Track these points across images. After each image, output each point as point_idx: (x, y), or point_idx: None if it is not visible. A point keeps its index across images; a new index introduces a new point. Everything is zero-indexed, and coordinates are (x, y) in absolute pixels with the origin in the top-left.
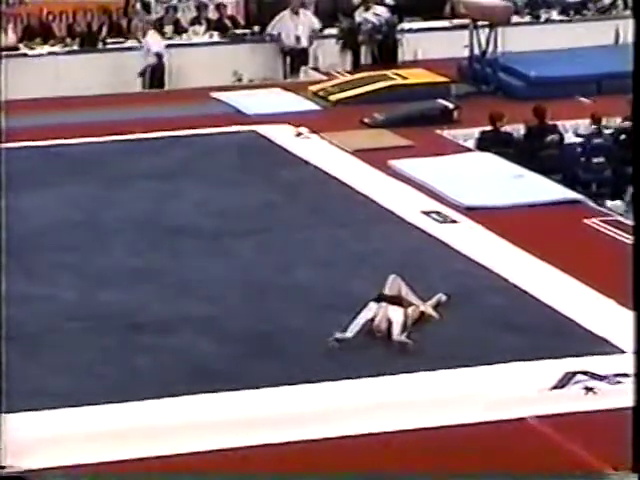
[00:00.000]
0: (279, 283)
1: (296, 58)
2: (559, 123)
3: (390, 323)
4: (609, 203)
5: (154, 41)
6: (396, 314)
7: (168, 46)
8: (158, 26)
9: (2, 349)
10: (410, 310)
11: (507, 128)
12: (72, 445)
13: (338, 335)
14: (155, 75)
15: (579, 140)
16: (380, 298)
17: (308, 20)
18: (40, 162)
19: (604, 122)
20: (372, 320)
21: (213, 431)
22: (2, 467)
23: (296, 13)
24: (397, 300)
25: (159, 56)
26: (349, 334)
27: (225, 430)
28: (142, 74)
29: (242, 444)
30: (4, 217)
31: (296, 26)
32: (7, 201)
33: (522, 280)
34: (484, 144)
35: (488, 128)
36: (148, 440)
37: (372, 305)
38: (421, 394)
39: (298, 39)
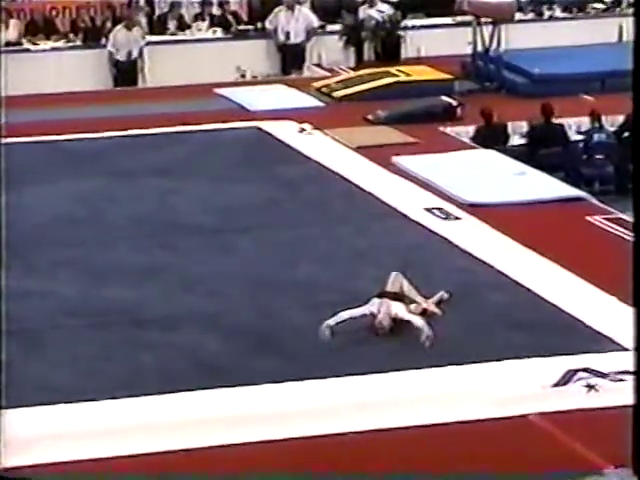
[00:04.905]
0: (281, 280)
1: (288, 54)
2: (562, 120)
3: (393, 320)
4: None
5: (121, 39)
6: (398, 309)
7: (148, 43)
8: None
9: (2, 345)
10: (412, 307)
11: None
12: (74, 441)
13: (330, 322)
14: (122, 74)
15: (581, 137)
16: (382, 295)
17: (303, 16)
18: (43, 157)
19: (604, 120)
20: (373, 316)
21: (216, 427)
22: None
23: (290, 9)
24: (399, 297)
25: (129, 54)
26: (332, 322)
27: (227, 426)
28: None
29: (244, 440)
30: (4, 213)
31: (288, 22)
32: (8, 196)
33: (525, 277)
34: (478, 140)
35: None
36: (150, 436)
37: (375, 301)
38: (423, 391)
39: (288, 35)
